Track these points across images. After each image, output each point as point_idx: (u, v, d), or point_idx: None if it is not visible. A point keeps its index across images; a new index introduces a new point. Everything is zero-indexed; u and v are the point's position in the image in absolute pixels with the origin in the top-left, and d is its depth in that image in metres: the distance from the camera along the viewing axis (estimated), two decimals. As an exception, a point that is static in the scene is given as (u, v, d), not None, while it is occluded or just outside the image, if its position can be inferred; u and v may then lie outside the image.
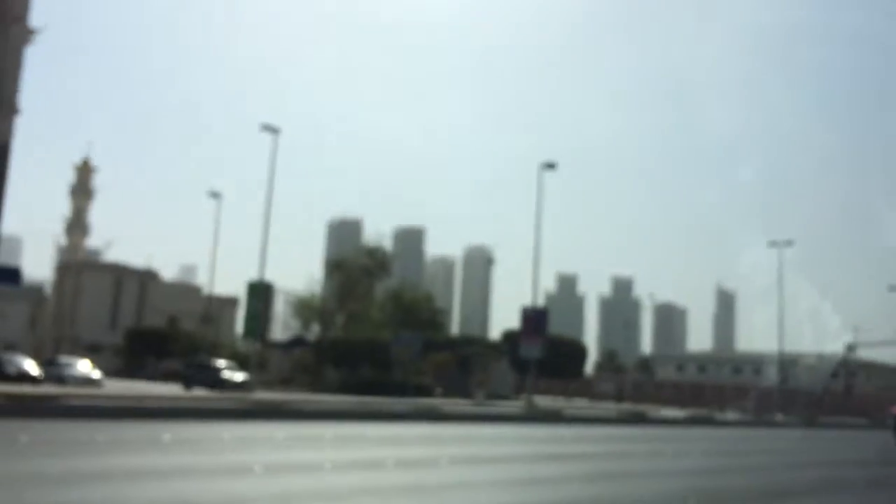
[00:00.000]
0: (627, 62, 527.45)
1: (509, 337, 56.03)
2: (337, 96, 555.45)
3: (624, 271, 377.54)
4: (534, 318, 44.22)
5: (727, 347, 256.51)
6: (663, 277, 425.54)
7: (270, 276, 41.63)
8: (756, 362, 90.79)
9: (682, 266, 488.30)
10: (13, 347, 63.04)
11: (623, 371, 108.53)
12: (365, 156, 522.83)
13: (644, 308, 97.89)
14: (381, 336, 53.97)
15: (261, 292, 40.14)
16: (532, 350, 43.22)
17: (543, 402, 47.64)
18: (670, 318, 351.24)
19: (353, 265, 70.42)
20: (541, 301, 46.42)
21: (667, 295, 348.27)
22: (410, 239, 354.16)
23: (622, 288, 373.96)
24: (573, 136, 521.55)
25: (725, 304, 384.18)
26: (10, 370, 35.62)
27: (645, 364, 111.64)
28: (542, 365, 45.37)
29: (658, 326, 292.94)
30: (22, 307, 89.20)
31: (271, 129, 40.61)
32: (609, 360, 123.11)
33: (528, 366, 44.39)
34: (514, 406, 39.00)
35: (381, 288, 74.71)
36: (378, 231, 76.74)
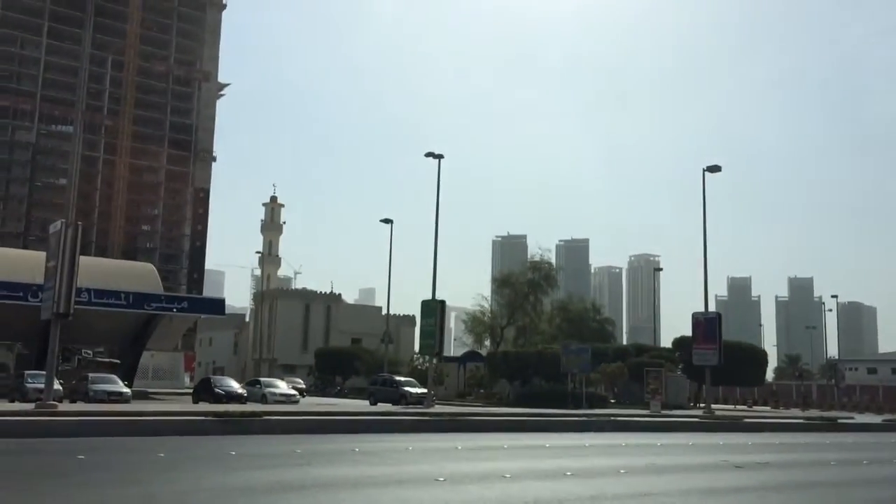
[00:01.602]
0: (790, 57, 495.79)
1: (682, 344, 54.67)
2: (497, 117, 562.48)
3: (801, 272, 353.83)
4: (705, 324, 43.20)
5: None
6: (846, 276, 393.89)
7: (443, 294, 43.51)
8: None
9: (867, 263, 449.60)
10: (221, 370, 69.73)
11: (808, 376, 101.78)
12: (527, 173, 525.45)
13: (826, 309, 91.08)
14: (551, 348, 54.55)
15: (434, 310, 41.77)
16: (707, 357, 42.22)
17: (722, 410, 46.24)
18: (858, 318, 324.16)
19: (520, 280, 71.66)
20: (712, 306, 45.17)
21: (852, 294, 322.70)
22: (575, 251, 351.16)
23: (801, 289, 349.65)
24: (736, 136, 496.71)
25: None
26: (220, 391, 39.51)
27: (832, 367, 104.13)
28: (719, 372, 44.12)
29: (845, 327, 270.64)
30: (227, 334, 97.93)
31: (435, 156, 42.65)
32: (792, 365, 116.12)
33: (704, 373, 43.39)
34: (691, 415, 38.28)
35: (549, 301, 75.37)
36: (542, 246, 77.65)
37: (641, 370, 47.98)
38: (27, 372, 35.10)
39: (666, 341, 73.11)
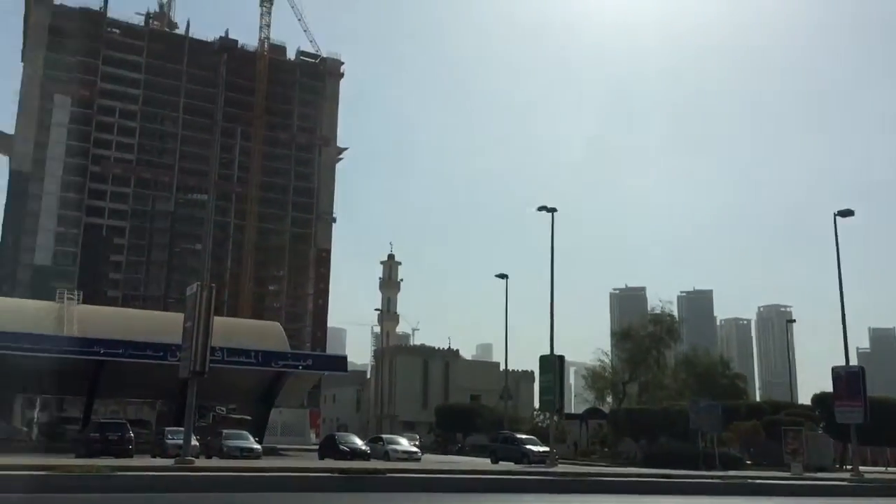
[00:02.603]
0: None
1: (822, 401, 51.03)
2: (609, 165, 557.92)
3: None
4: (847, 379, 40.22)
5: None
6: None
7: (561, 348, 42.75)
8: None
9: None
10: (345, 427, 71.15)
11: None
12: (642, 223, 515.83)
13: None
14: (678, 405, 52.30)
15: (552, 365, 41.11)
16: (851, 414, 39.23)
17: (872, 472, 42.73)
18: None
19: (641, 333, 69.57)
20: (853, 359, 42.16)
21: None
22: (698, 303, 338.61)
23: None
24: (872, 177, 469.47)
25: None
26: (344, 448, 40.03)
27: None
28: (866, 430, 40.81)
29: None
30: (349, 391, 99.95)
31: (548, 209, 42.56)
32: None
33: (848, 432, 40.32)
34: (838, 478, 35.54)
35: (672, 355, 72.70)
36: (662, 298, 75.36)
37: (778, 429, 45.03)
38: (167, 429, 36.90)
39: (803, 397, 68.94)
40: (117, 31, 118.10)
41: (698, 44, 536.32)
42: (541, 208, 42.94)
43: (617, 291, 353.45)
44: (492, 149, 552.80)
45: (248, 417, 49.43)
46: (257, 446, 37.03)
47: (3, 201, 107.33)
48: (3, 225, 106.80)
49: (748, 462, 47.97)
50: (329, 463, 32.16)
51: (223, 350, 43.70)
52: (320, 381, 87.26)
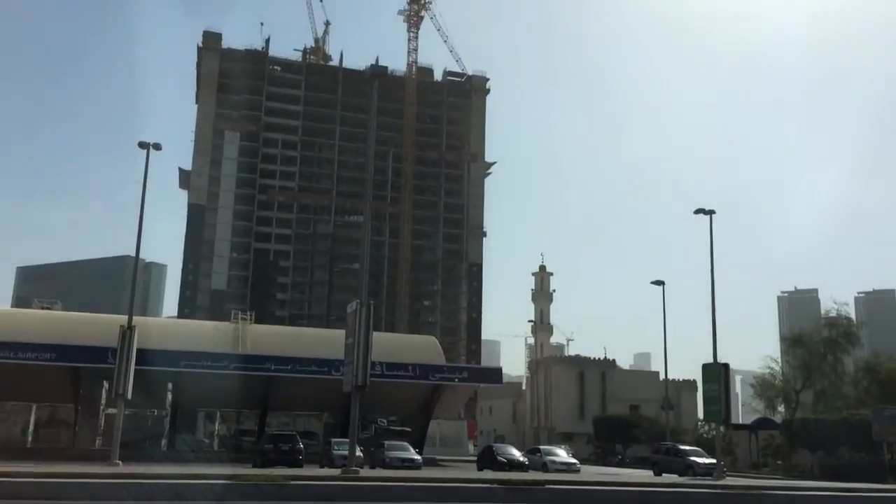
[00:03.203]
0: None
1: None
2: (764, 162, 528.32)
3: None
4: None
5: None
6: None
7: (724, 356, 40.79)
8: None
9: None
10: (501, 438, 71.53)
11: None
12: (809, 220, 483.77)
13: None
14: (860, 414, 48.47)
15: (717, 374, 39.34)
16: None
17: None
18: None
19: (814, 339, 65.18)
20: None
21: None
22: (879, 304, 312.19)
23: None
24: None
25: None
26: (502, 459, 40.13)
27: None
28: None
29: None
30: (505, 402, 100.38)
31: (706, 212, 40.92)
32: None
33: None
34: None
35: (851, 360, 67.48)
36: (837, 299, 70.16)
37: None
38: (333, 440, 38.65)
39: None
40: (278, 67, 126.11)
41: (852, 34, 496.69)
42: (698, 211, 41.37)
43: (785, 295, 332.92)
44: (642, 153, 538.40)
45: (408, 429, 50.73)
46: (417, 457, 37.97)
47: (184, 232, 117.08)
48: (184, 253, 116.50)
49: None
50: (487, 474, 32.43)
51: (383, 364, 45.20)
52: (476, 394, 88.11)
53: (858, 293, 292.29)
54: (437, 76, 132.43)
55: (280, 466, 31.24)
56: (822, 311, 70.19)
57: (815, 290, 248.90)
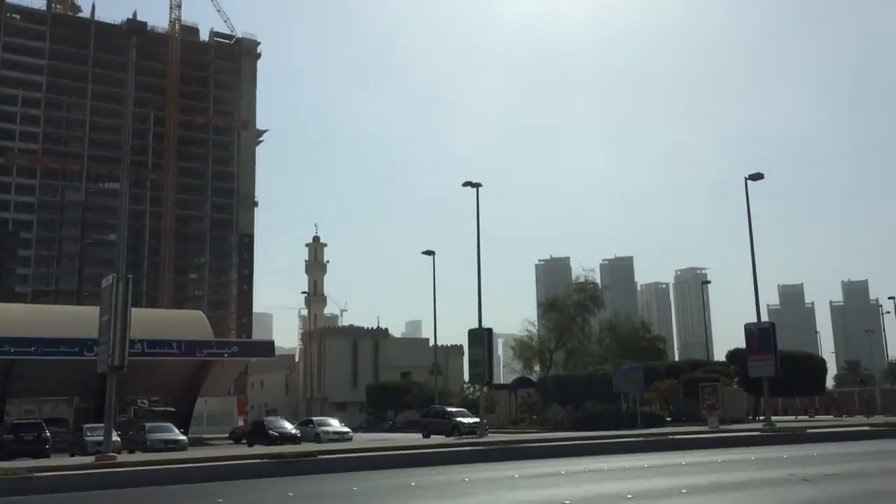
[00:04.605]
0: (827, 59, 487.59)
1: (736, 357, 53.44)
2: (533, 139, 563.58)
3: (855, 275, 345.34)
4: (759, 335, 42.24)
5: None
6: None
7: (489, 321, 43.32)
8: None
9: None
10: (274, 412, 70.39)
11: (870, 381, 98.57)
12: (565, 195, 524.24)
13: (884, 311, 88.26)
14: (603, 369, 53.85)
15: (481, 339, 41.58)
16: (763, 368, 41.24)
17: (783, 421, 45.01)
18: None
19: (566, 303, 71.15)
20: (765, 316, 44.22)
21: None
22: (619, 270, 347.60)
23: (856, 293, 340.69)
24: (779, 140, 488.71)
25: None
26: (274, 433, 39.71)
27: (894, 371, 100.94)
28: (777, 383, 42.96)
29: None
30: (278, 375, 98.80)
31: (473, 185, 42.83)
32: (852, 371, 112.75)
33: (761, 385, 42.36)
34: (751, 429, 37.33)
35: (597, 322, 74.60)
36: (585, 266, 76.96)
37: (696, 386, 46.89)
38: (86, 426, 35.80)
39: (719, 355, 71.75)
40: (17, 16, 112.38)
41: (621, 22, 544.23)
42: (466, 184, 43.18)
43: (542, 262, 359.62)
44: (416, 126, 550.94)
45: (173, 409, 48.44)
46: (182, 437, 36.35)
47: None
48: None
49: (668, 419, 49.83)
50: (259, 449, 31.86)
51: (143, 342, 42.67)
52: (247, 368, 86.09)
53: (603, 260, 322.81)
54: (205, 37, 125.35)
55: (23, 458, 28.61)
56: (573, 278, 76.63)
57: (568, 258, 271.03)
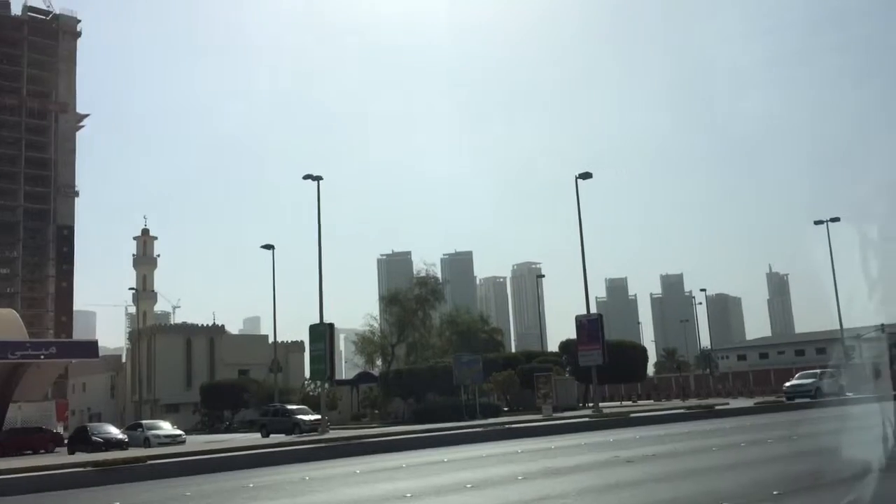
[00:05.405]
0: (652, 62, 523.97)
1: (567, 347, 56.26)
2: (374, 133, 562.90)
3: (671, 269, 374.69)
4: (588, 326, 44.63)
5: (786, 331, 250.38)
6: (713, 270, 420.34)
7: (331, 316, 43.15)
8: (817, 342, 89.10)
9: (731, 256, 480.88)
10: (98, 416, 65.93)
11: (685, 367, 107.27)
12: (407, 189, 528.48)
13: (696, 302, 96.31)
14: (443, 362, 54.80)
15: (322, 334, 41.10)
16: (592, 357, 43.61)
17: (610, 407, 47.81)
18: (726, 309, 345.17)
19: (408, 297, 71.70)
20: (593, 308, 46.80)
21: (719, 286, 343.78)
22: (459, 264, 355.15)
23: (672, 285, 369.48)
24: (610, 142, 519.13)
25: (779, 289, 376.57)
26: (98, 439, 37.33)
27: (706, 357, 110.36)
28: (604, 371, 45.53)
29: (715, 318, 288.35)
30: (102, 377, 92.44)
31: (314, 178, 42.14)
32: (670, 358, 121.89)
33: (590, 373, 44.75)
34: (582, 415, 39.38)
35: (437, 315, 75.76)
36: (426, 261, 77.90)
37: (531, 376, 48.90)
38: None
39: (553, 346, 75.01)
40: None
41: (474, 19, 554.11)
42: (307, 177, 42.43)
43: (384, 257, 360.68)
44: (255, 116, 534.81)
45: (-19, 417, 44.22)
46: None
47: None
48: None
49: (506, 409, 51.63)
50: (81, 457, 29.69)
51: (-57, 344, 38.57)
52: (67, 370, 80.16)
53: (444, 255, 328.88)
54: (17, 10, 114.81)
55: None
56: (415, 272, 77.33)
57: (409, 253, 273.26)
